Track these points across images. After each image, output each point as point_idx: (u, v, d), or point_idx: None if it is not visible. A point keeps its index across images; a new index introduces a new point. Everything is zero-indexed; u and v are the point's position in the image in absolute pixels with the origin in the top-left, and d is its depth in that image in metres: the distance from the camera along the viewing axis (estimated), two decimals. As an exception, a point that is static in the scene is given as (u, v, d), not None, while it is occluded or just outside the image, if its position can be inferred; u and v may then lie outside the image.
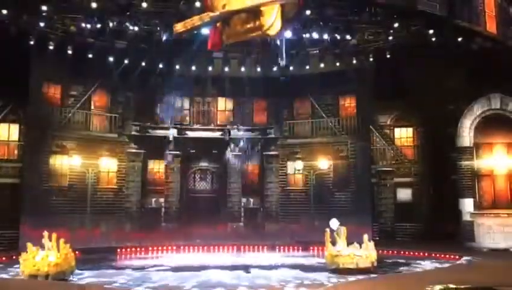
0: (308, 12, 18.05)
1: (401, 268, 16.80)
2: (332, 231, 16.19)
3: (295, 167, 26.34)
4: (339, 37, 21.00)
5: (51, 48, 20.25)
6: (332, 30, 20.48)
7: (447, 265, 16.98)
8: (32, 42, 19.70)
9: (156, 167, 26.23)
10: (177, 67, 23.26)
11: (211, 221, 24.02)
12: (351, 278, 14.14)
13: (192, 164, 26.44)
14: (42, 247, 14.38)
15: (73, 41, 20.49)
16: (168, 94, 25.42)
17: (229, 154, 25.89)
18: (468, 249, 20.10)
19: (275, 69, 23.29)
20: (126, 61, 22.06)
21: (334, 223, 16.35)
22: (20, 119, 22.43)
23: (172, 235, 23.77)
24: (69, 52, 20.59)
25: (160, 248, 22.28)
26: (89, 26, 19.33)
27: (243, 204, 26.10)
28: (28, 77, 21.17)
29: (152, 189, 25.85)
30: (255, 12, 4.18)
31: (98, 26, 19.47)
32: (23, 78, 20.86)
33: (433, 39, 19.36)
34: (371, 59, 22.25)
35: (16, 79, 20.39)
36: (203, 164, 26.57)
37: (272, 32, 4.41)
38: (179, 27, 4.96)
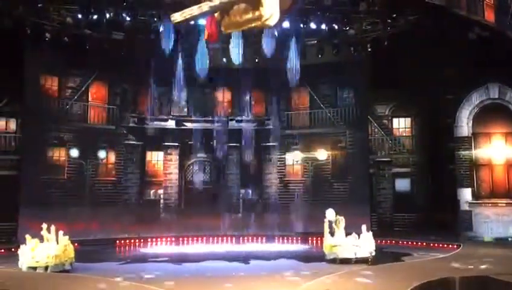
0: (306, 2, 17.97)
1: (400, 258, 16.86)
2: (329, 221, 16.25)
3: (293, 158, 26.34)
4: (336, 27, 20.92)
5: (47, 39, 20.09)
6: (330, 20, 20.38)
7: (445, 255, 17.04)
8: (28, 34, 19.53)
9: (155, 159, 26.20)
10: (175, 58, 23.11)
11: (209, 212, 24.04)
12: (349, 269, 14.19)
13: (191, 155, 26.39)
14: (41, 239, 14.40)
15: (70, 32, 20.35)
16: (165, 85, 25.30)
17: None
18: (466, 239, 20.19)
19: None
20: (123, 53, 21.91)
21: (330, 213, 16.40)
22: (17, 111, 22.31)
23: (171, 226, 23.80)
24: (66, 43, 20.44)
25: (159, 240, 22.33)
26: (85, 17, 19.19)
27: (241, 195, 26.12)
28: (25, 69, 21.03)
29: (150, 181, 25.84)
30: (254, 3, 4.13)
31: (95, 17, 19.33)
32: (20, 70, 20.73)
33: (432, 29, 19.29)
34: (369, 49, 22.16)
35: (13, 71, 20.29)
36: (202, 156, 26.51)
37: (271, 22, 4.37)
38: (177, 17, 4.89)
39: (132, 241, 21.99)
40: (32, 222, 16.81)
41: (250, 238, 22.80)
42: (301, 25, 20.60)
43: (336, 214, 16.33)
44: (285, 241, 22.65)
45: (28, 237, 14.40)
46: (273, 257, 17.77)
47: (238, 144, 26.03)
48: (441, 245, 19.39)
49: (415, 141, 25.60)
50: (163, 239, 22.44)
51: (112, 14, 19.25)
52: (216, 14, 5.17)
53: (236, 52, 21.50)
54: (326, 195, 23.76)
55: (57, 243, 14.30)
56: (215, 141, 25.84)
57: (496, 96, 21.54)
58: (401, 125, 26.00)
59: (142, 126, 25.29)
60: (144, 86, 25.48)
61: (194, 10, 4.48)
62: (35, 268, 13.97)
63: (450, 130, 22.03)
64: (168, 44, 20.93)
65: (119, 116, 25.01)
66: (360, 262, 15.26)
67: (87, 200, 23.03)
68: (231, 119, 26.13)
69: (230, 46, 21.30)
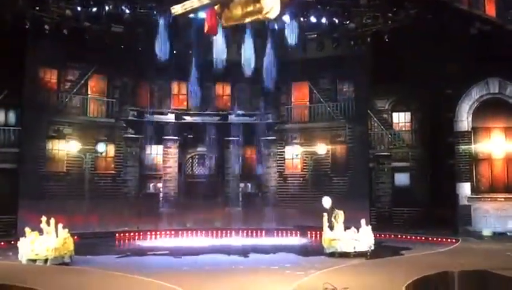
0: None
1: (398, 252, 16.89)
2: (326, 210, 16.29)
3: (293, 152, 26.33)
4: (337, 21, 20.85)
5: (47, 32, 19.99)
6: (330, 14, 20.30)
7: (443, 249, 17.08)
8: (27, 26, 19.44)
9: (154, 152, 26.17)
10: (175, 51, 23.05)
11: (209, 206, 24.05)
12: (348, 262, 14.22)
13: (190, 149, 26.39)
14: (40, 232, 14.41)
15: (69, 25, 20.25)
16: (165, 79, 25.26)
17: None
18: (465, 233, 20.23)
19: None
20: (122, 46, 21.83)
21: (326, 201, 16.42)
22: (16, 104, 22.24)
23: (170, 220, 23.81)
24: (65, 36, 20.35)
25: (158, 233, 22.35)
26: (84, 9, 19.10)
27: (240, 189, 26.14)
28: (24, 61, 20.99)
29: (150, 174, 25.83)
30: (255, -5, 4.13)
31: (94, 9, 19.24)
32: (19, 63, 20.69)
33: (432, 23, 19.23)
34: (369, 43, 22.08)
35: (12, 64, 20.23)
36: (201, 149, 26.50)
37: (272, 15, 4.36)
38: (178, 9, 4.89)
39: (131, 234, 22.00)
40: (31, 214, 16.85)
41: (249, 231, 22.81)
42: (301, 19, 20.53)
43: (335, 208, 16.36)
44: (285, 235, 22.68)
45: (27, 229, 14.41)
46: (272, 251, 17.79)
47: (237, 138, 26.01)
48: (439, 240, 19.41)
49: (414, 136, 25.57)
50: (163, 232, 22.44)
51: (111, 6, 19.16)
52: (216, 7, 5.16)
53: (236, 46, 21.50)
54: (326, 189, 23.69)
55: (57, 236, 14.31)
56: (214, 134, 25.83)
57: (496, 91, 21.52)
58: (401, 119, 25.94)
59: (141, 119, 25.27)
60: (143, 80, 25.43)
61: (194, 2, 4.48)
62: (34, 261, 14.00)
63: (450, 124, 22.01)
64: (168, 37, 20.91)
65: (119, 110, 24.99)
66: (359, 256, 15.30)
67: (87, 193, 23.04)
68: (230, 113, 26.09)
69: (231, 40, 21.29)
